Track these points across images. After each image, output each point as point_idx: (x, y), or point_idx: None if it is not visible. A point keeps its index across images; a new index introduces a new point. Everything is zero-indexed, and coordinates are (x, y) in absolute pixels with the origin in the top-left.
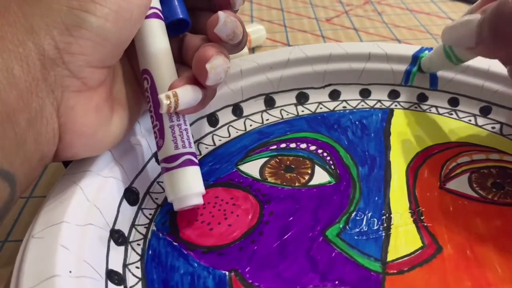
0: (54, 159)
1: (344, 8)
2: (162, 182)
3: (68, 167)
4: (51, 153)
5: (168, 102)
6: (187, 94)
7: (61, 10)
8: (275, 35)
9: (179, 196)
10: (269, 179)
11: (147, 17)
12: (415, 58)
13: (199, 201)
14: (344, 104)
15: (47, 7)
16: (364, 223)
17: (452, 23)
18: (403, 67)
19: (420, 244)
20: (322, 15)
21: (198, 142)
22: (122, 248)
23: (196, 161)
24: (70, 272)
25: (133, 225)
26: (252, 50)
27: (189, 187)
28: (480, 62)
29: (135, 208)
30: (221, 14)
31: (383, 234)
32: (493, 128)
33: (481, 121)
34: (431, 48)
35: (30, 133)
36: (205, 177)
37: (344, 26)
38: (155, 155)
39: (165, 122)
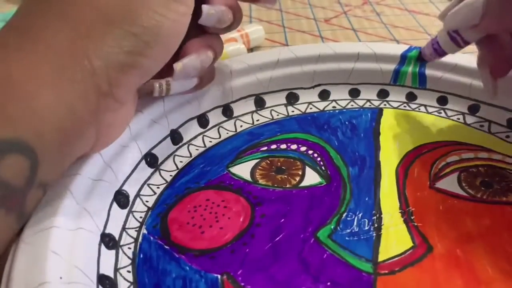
0: None
1: (342, 8)
2: (152, 184)
3: None
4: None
5: (159, 88)
6: (178, 84)
7: (119, 53)
8: (273, 36)
9: None
10: (260, 181)
11: None
12: (404, 58)
13: None
14: (334, 104)
15: (107, 50)
16: (355, 223)
17: (454, 9)
18: (391, 67)
19: (410, 244)
20: (320, 16)
21: (188, 143)
22: (113, 252)
23: None
24: (61, 278)
25: (123, 229)
26: (251, 50)
27: None
28: (468, 60)
29: (125, 211)
30: (204, 7)
31: (374, 234)
32: (481, 126)
33: (469, 119)
34: (420, 47)
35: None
36: (196, 179)
37: (343, 26)
38: (145, 157)
39: None
